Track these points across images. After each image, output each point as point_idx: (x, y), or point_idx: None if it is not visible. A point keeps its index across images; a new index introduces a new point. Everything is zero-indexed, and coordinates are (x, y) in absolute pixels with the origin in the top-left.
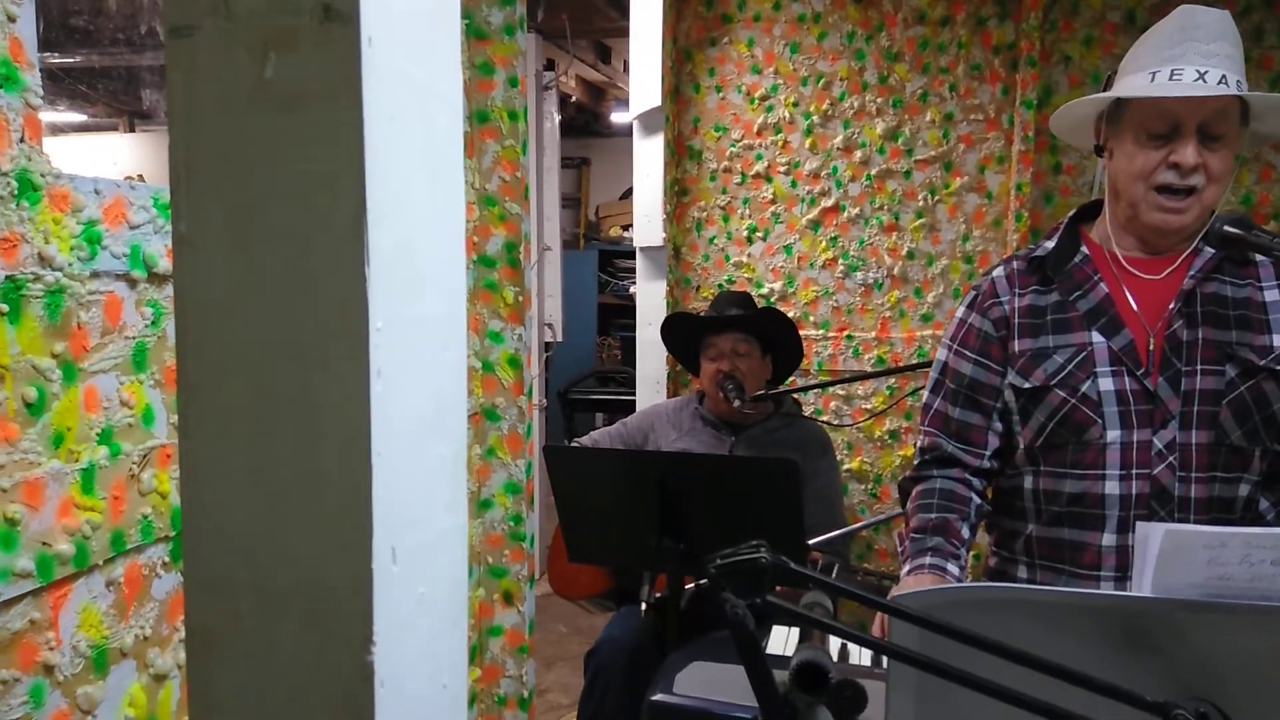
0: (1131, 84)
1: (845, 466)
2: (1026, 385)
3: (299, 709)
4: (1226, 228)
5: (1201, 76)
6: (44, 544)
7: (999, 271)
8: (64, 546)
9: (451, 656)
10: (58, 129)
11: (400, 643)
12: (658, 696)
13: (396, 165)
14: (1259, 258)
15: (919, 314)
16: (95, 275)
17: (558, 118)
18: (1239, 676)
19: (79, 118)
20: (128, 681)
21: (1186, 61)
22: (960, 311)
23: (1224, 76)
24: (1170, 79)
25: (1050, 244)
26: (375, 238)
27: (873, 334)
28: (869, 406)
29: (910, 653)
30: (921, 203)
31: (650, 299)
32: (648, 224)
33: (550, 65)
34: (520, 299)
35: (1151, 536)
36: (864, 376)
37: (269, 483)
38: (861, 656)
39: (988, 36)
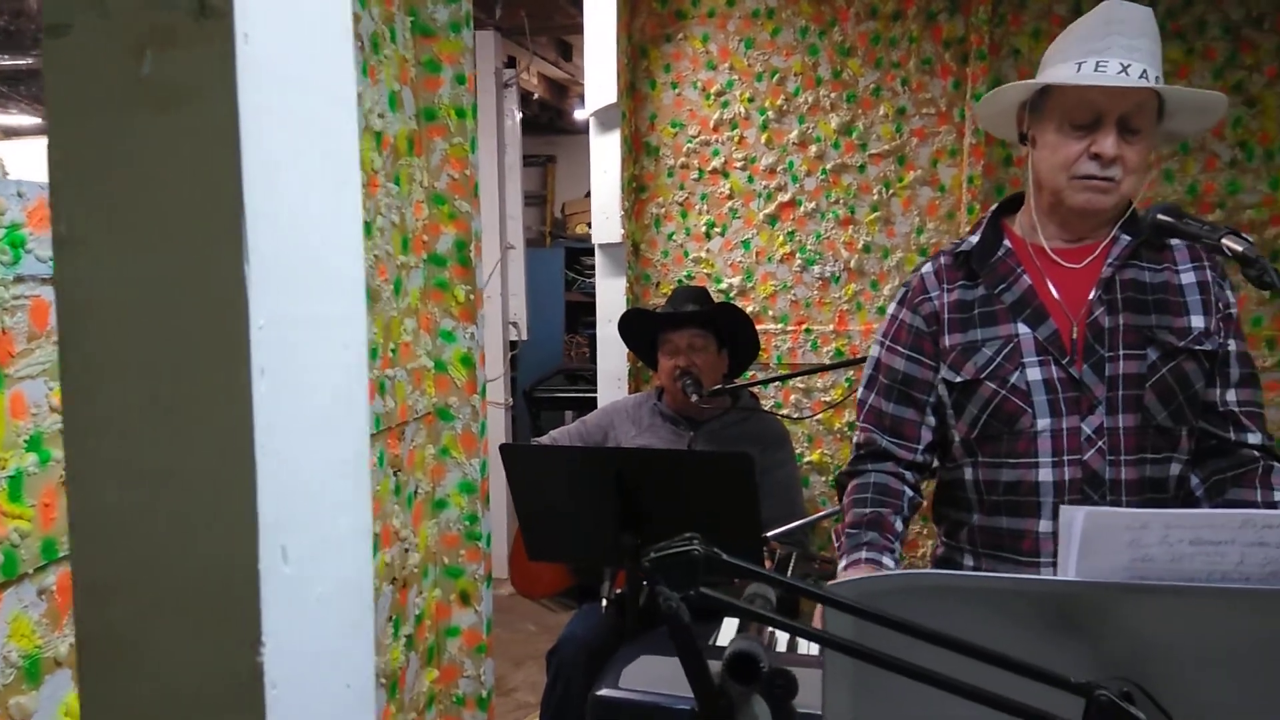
0: (1057, 74)
1: (806, 459)
2: (958, 379)
3: (191, 711)
4: (1160, 216)
5: (1125, 69)
6: None
7: (927, 268)
8: None
9: (356, 657)
10: (13, 132)
11: (294, 644)
12: (602, 691)
13: (279, 164)
14: (1174, 242)
15: (876, 307)
16: (20, 280)
17: (519, 115)
18: (1162, 656)
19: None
20: (62, 691)
21: (1111, 54)
22: (892, 308)
23: (1145, 71)
24: (1095, 70)
25: (974, 238)
26: (255, 236)
27: (831, 327)
28: (828, 399)
29: (841, 640)
30: (876, 196)
31: (610, 296)
32: (606, 221)
33: (511, 63)
34: (472, 298)
35: (1074, 520)
36: (822, 369)
37: (154, 484)
38: (810, 646)
39: (938, 31)
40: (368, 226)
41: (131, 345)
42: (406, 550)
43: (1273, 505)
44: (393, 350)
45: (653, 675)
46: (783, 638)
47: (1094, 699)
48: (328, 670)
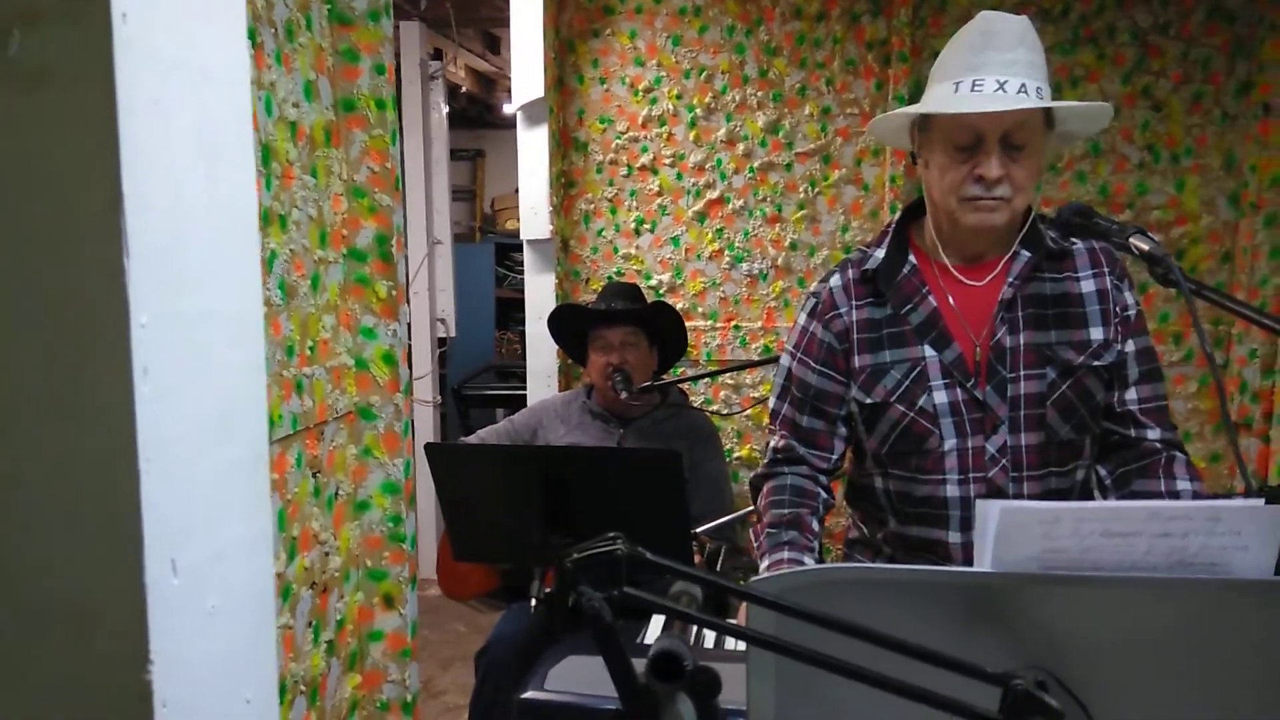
0: (936, 95)
1: (735, 454)
2: (869, 401)
3: None
4: (1072, 216)
5: (1001, 86)
6: None
7: (836, 281)
8: None
9: (256, 670)
10: None
11: (186, 660)
12: (527, 694)
13: (162, 151)
14: (1076, 248)
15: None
16: None
17: (446, 108)
18: (1075, 645)
19: None
20: None
21: (987, 71)
22: (802, 319)
23: (1024, 85)
24: (972, 90)
25: (880, 253)
26: (136, 228)
27: (759, 324)
28: (756, 395)
29: (761, 635)
30: (803, 194)
31: (539, 292)
32: (535, 217)
33: (438, 55)
34: (394, 293)
35: (989, 514)
36: (750, 365)
37: (28, 493)
38: (739, 642)
39: (861, 32)
40: (283, 220)
41: (4, 346)
42: (327, 554)
43: (1175, 495)
44: (310, 348)
45: (579, 676)
46: (711, 634)
47: (1010, 688)
48: (224, 685)
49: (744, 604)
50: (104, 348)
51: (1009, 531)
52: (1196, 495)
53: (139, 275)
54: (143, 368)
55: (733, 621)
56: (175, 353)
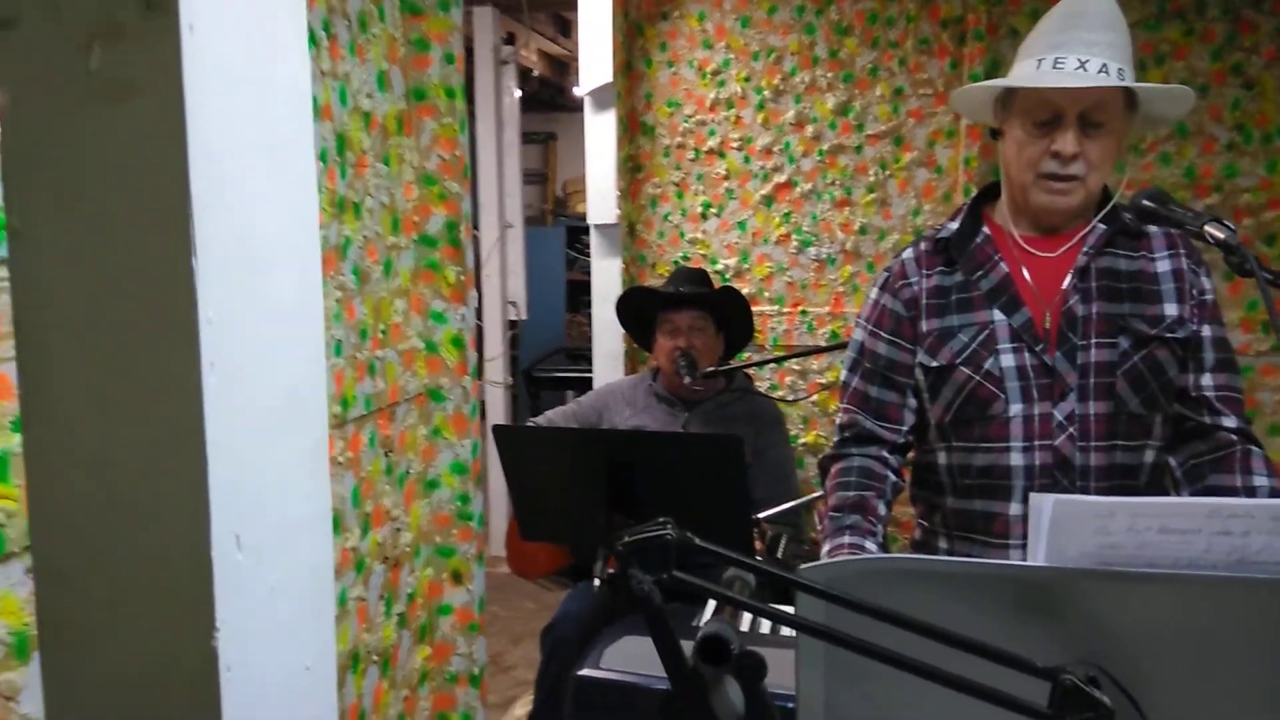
0: (1019, 71)
1: (801, 440)
2: (934, 364)
3: (148, 693)
4: (1145, 202)
5: (1082, 65)
6: None
7: (908, 253)
8: None
9: (316, 641)
10: None
11: (250, 628)
12: (583, 671)
13: (228, 156)
14: (1151, 230)
15: None
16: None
17: (518, 92)
18: (1128, 641)
19: None
20: None
21: (1069, 50)
22: (873, 293)
23: (1104, 65)
24: (1053, 67)
25: (954, 225)
26: (204, 229)
27: (826, 309)
28: (823, 381)
29: (809, 623)
30: (873, 177)
31: (605, 277)
32: (602, 201)
33: (510, 39)
34: (463, 279)
35: (1043, 507)
36: (818, 350)
37: (108, 474)
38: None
39: (936, 10)
40: (356, 207)
41: (82, 337)
42: (398, 530)
43: (1252, 490)
44: (383, 331)
45: (634, 655)
46: (768, 621)
47: (1059, 682)
48: (285, 653)
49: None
50: (174, 342)
51: (1063, 525)
52: (1274, 492)
53: (206, 274)
54: (210, 362)
55: (780, 608)
56: (240, 347)
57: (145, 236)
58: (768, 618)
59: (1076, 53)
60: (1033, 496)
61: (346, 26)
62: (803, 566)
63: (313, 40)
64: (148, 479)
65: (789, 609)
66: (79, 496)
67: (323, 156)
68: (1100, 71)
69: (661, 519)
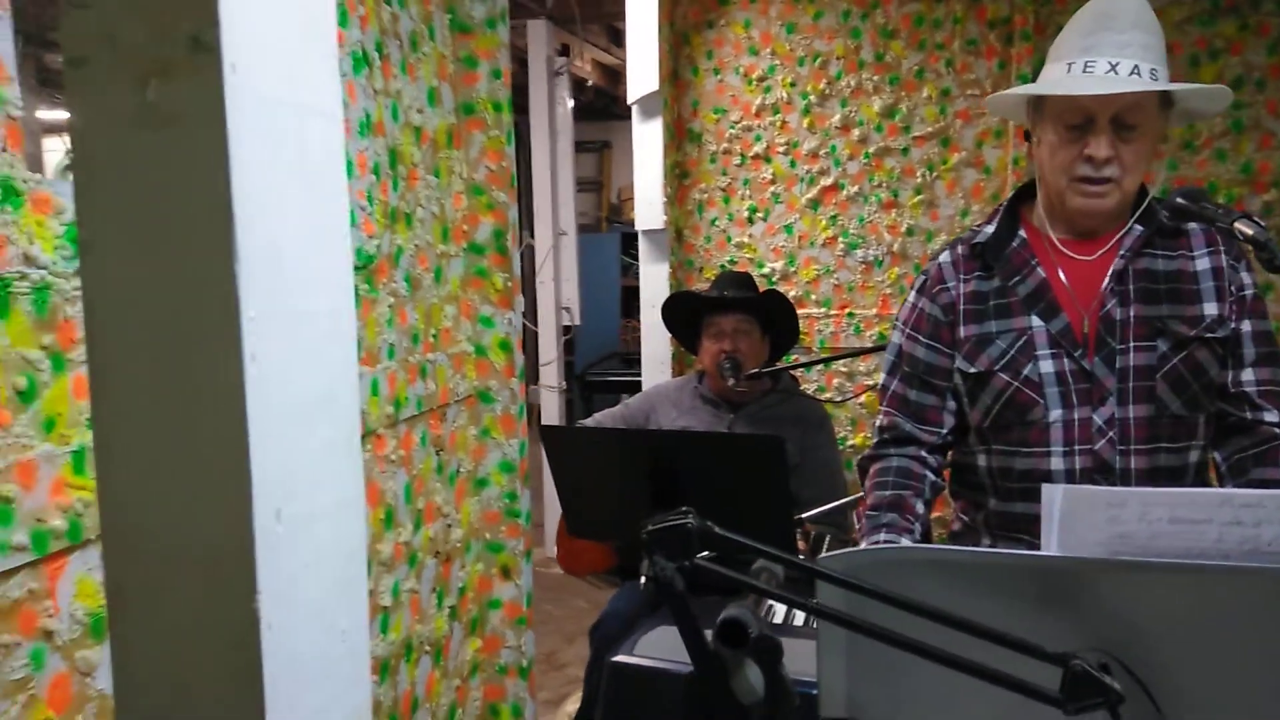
0: (1048, 75)
1: (849, 442)
2: (972, 370)
3: (199, 653)
4: (1178, 200)
5: (1113, 68)
6: (39, 520)
7: (945, 257)
8: (58, 522)
9: (350, 610)
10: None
11: (288, 592)
12: (618, 657)
13: (267, 177)
14: (1191, 227)
15: None
16: (77, 274)
17: (571, 102)
18: (1139, 630)
19: None
20: None
21: (1099, 53)
22: (912, 296)
23: (1136, 67)
24: (1084, 71)
25: (990, 229)
26: (244, 240)
27: (874, 311)
28: (871, 383)
29: (828, 610)
30: (920, 179)
31: (653, 281)
32: (649, 208)
33: (565, 50)
34: (510, 285)
35: (1054, 498)
36: (864, 352)
37: (166, 457)
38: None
39: (982, 11)
40: (408, 217)
41: (143, 337)
42: (449, 525)
43: None
44: (434, 335)
45: (666, 644)
46: (801, 612)
47: (1070, 668)
48: (321, 617)
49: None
50: (220, 336)
51: (1074, 514)
52: None
53: (247, 278)
54: (251, 354)
55: (799, 598)
56: (279, 342)
57: (193, 246)
58: (787, 604)
59: (1107, 55)
60: (1045, 488)
61: (398, 47)
62: (821, 556)
63: (366, 61)
64: (198, 460)
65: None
66: (139, 481)
67: (375, 170)
68: (1132, 73)
69: (684, 508)
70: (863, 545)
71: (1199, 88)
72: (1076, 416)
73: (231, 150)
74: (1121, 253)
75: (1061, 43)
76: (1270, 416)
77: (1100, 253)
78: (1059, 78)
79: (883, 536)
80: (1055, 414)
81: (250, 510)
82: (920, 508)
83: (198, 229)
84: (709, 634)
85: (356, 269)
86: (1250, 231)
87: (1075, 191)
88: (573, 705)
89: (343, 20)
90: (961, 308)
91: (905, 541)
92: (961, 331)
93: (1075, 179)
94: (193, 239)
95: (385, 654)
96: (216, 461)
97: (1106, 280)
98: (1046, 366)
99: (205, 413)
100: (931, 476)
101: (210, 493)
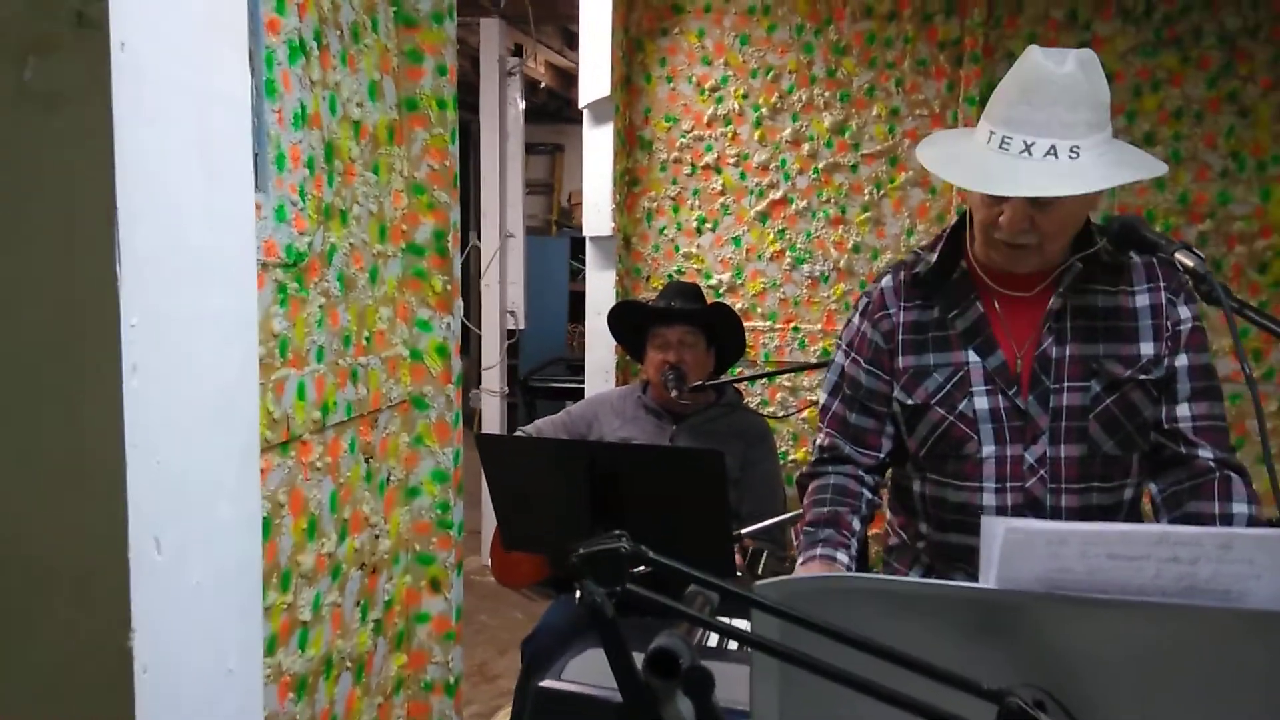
0: (969, 141)
1: (790, 457)
2: (909, 402)
3: (63, 687)
4: (1121, 229)
5: (1028, 148)
6: None
7: (887, 282)
8: None
9: (241, 643)
10: None
11: (168, 629)
12: (544, 682)
13: (158, 166)
14: (1133, 261)
15: None
16: None
17: (523, 104)
18: (1076, 665)
19: None
20: None
21: (1016, 128)
22: (855, 318)
23: (1053, 147)
24: (1000, 147)
25: (933, 258)
26: (128, 237)
27: (819, 326)
28: (814, 398)
29: (760, 639)
30: (867, 196)
31: (600, 288)
32: (597, 214)
33: (518, 50)
34: (449, 288)
35: (995, 532)
36: (808, 367)
37: (32, 472)
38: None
39: (933, 32)
40: (343, 214)
41: (7, 345)
42: (377, 536)
43: (1229, 518)
44: (367, 338)
45: (596, 668)
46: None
47: (1005, 705)
48: (206, 655)
49: None
50: (97, 345)
51: (1014, 550)
52: (1252, 519)
53: (131, 279)
54: (132, 364)
55: (732, 623)
56: (165, 350)
57: (70, 242)
58: (720, 633)
59: (1024, 133)
60: (985, 521)
61: (338, 37)
62: (757, 584)
63: (303, 50)
64: (69, 478)
65: (747, 624)
66: (3, 491)
67: (309, 164)
68: (1048, 154)
69: (617, 531)
70: (800, 559)
71: (1107, 178)
72: (1009, 453)
73: (117, 136)
74: (1060, 289)
75: (994, 99)
76: (1204, 452)
77: (1039, 288)
78: (975, 148)
79: (819, 551)
80: (988, 450)
81: (125, 538)
82: (857, 525)
83: (76, 224)
84: (640, 658)
85: (285, 267)
86: (1190, 263)
87: (995, 249)
88: (503, 718)
89: (279, 6)
90: (900, 337)
91: (841, 555)
92: (900, 362)
93: (994, 239)
94: (70, 235)
95: (303, 670)
96: (89, 483)
97: (1044, 318)
98: (981, 403)
99: (76, 433)
100: (869, 495)
101: (81, 518)
